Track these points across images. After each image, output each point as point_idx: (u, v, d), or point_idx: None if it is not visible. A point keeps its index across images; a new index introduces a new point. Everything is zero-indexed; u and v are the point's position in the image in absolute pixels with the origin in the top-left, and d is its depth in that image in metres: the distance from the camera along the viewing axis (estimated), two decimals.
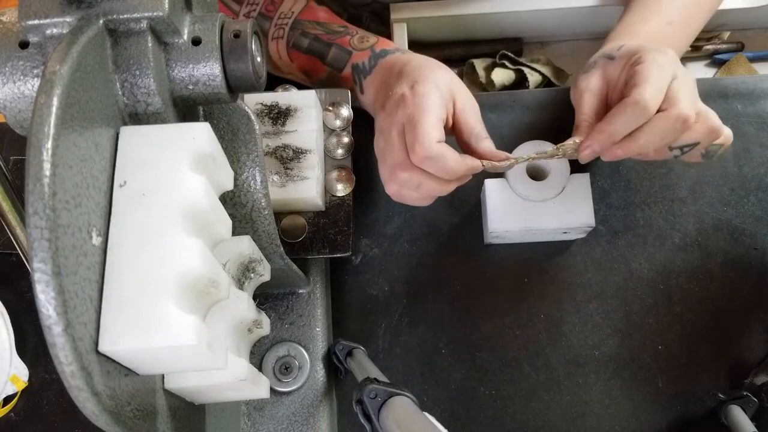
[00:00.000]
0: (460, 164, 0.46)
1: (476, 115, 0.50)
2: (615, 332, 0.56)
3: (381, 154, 0.49)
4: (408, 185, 0.48)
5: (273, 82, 0.56)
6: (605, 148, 0.47)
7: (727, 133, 0.49)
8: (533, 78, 0.75)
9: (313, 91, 0.57)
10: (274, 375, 0.52)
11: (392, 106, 0.48)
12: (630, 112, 0.45)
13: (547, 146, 0.56)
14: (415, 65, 0.52)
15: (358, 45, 0.58)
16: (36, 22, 0.31)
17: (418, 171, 0.46)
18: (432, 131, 0.45)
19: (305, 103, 0.55)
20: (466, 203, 0.60)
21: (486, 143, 0.48)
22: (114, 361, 0.28)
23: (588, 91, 0.50)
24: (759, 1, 0.71)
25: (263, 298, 0.54)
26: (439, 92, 0.47)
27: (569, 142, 0.48)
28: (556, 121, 0.63)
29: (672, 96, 0.46)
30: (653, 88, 0.45)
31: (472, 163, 0.47)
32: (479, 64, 0.76)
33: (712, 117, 0.47)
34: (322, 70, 0.61)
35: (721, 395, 0.52)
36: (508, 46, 0.77)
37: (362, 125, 0.62)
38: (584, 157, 0.47)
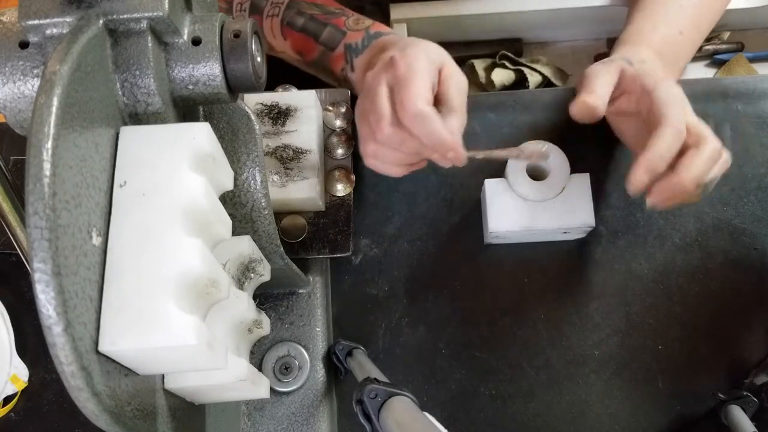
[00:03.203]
0: (446, 130, 0.45)
1: (458, 89, 0.48)
2: (615, 332, 0.56)
3: (363, 114, 0.48)
4: (389, 142, 0.46)
5: (273, 83, 0.56)
6: (653, 174, 0.46)
7: (726, 157, 0.49)
8: (533, 78, 0.75)
9: (313, 91, 0.57)
10: (274, 375, 0.52)
11: (380, 67, 0.47)
12: (670, 133, 0.46)
13: (547, 146, 0.56)
14: (407, 40, 0.52)
15: (353, 26, 0.59)
16: (36, 22, 0.31)
17: (402, 129, 0.45)
18: (422, 91, 0.44)
19: (305, 103, 0.55)
20: (466, 203, 0.60)
21: (452, 121, 0.46)
22: (114, 361, 0.28)
23: (607, 73, 0.50)
24: (759, 1, 0.71)
25: (263, 298, 0.54)
26: (428, 58, 0.47)
27: (535, 145, 0.47)
28: (556, 121, 0.63)
29: (697, 131, 0.47)
30: (680, 115, 0.46)
31: (453, 138, 0.46)
32: (479, 65, 0.76)
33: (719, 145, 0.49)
34: (314, 50, 0.61)
35: (721, 395, 0.52)
36: (508, 46, 0.78)
37: None
38: (634, 191, 0.47)
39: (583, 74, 0.52)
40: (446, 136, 0.45)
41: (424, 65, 0.46)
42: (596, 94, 0.49)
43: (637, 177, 0.46)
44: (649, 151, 0.46)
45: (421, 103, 0.44)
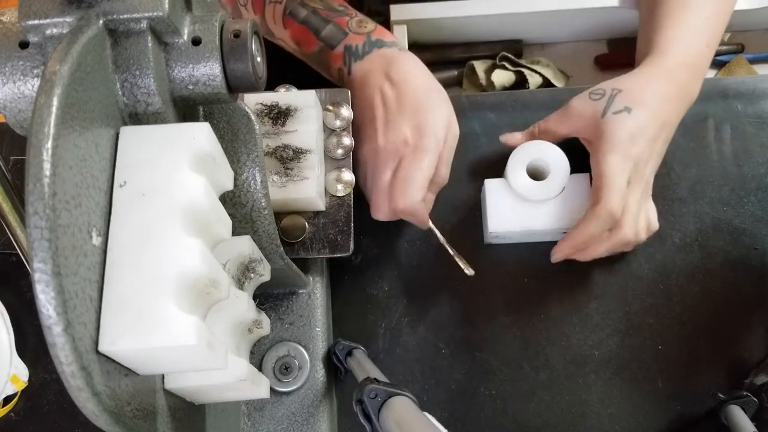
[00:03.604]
0: (426, 217, 0.54)
1: (449, 159, 0.55)
2: (615, 332, 0.56)
3: (364, 186, 0.56)
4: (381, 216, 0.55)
5: (273, 83, 0.56)
6: (574, 253, 0.54)
7: (634, 241, 0.54)
8: (533, 79, 0.75)
9: (313, 91, 0.57)
10: (274, 375, 0.52)
11: (391, 152, 0.53)
12: (603, 218, 0.50)
13: (547, 147, 0.56)
14: (414, 96, 0.54)
15: (356, 28, 0.59)
16: (36, 22, 0.31)
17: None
18: (418, 193, 0.51)
19: (305, 103, 0.55)
20: (466, 204, 0.60)
21: (429, 196, 0.56)
22: (114, 361, 0.28)
23: (570, 117, 0.55)
24: (759, 2, 0.71)
25: (263, 298, 0.54)
26: (437, 146, 0.52)
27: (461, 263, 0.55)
28: None
29: (620, 219, 0.51)
30: (615, 200, 0.50)
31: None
32: (479, 66, 0.76)
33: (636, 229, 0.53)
34: (314, 44, 0.61)
35: (721, 395, 0.52)
36: (508, 47, 0.78)
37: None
38: (555, 259, 0.55)
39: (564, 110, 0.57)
40: (425, 222, 0.54)
41: (429, 162, 0.52)
42: (517, 138, 0.58)
43: (560, 253, 0.54)
44: (577, 233, 0.52)
45: (412, 203, 0.51)
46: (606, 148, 0.51)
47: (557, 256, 0.54)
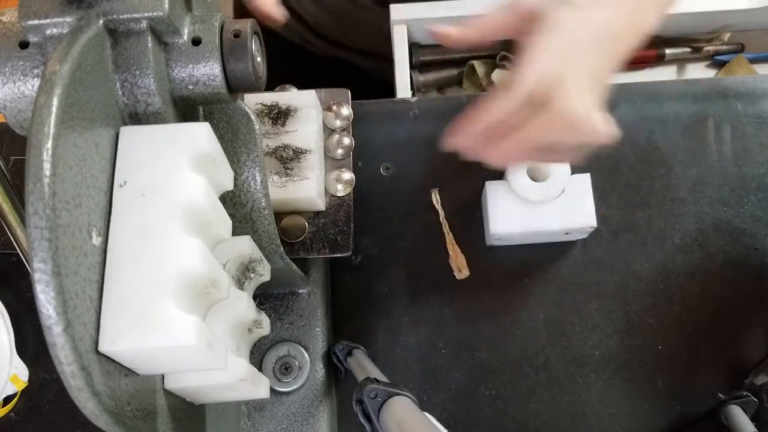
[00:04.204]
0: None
1: None
2: (615, 332, 0.56)
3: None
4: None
5: (273, 83, 0.56)
6: (462, 140, 0.43)
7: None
8: None
9: (312, 91, 0.57)
10: (274, 375, 0.52)
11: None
12: (517, 91, 0.39)
13: None
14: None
15: None
16: (36, 22, 0.31)
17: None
18: None
19: (305, 103, 0.55)
20: (466, 204, 0.60)
21: None
22: (114, 361, 0.28)
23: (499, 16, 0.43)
24: (759, 2, 0.71)
25: (263, 298, 0.54)
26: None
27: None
28: None
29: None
30: (540, 63, 0.39)
31: None
32: (479, 66, 0.76)
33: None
34: None
35: (721, 395, 0.52)
36: (508, 46, 0.77)
37: (362, 125, 0.62)
38: (449, 144, 0.43)
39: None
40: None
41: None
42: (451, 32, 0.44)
43: (459, 134, 0.43)
44: (485, 107, 0.41)
45: None
46: (540, 31, 0.40)
47: (452, 139, 0.43)
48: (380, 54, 0.76)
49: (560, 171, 0.55)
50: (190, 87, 0.35)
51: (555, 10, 0.41)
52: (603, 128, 0.40)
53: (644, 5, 0.45)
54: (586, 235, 0.58)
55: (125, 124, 0.33)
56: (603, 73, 0.42)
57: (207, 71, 0.34)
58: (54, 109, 0.26)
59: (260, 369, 0.52)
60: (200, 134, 0.32)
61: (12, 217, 0.40)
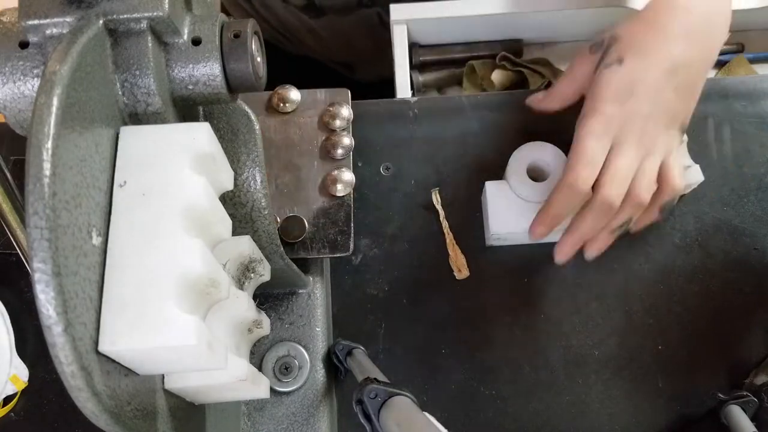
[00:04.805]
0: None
1: None
2: (615, 332, 0.56)
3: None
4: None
5: (273, 83, 0.56)
6: (550, 229, 0.50)
7: (680, 184, 0.49)
8: (533, 79, 0.75)
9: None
10: (274, 375, 0.52)
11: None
12: (568, 188, 0.46)
13: (548, 147, 0.56)
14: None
15: None
16: (36, 22, 0.31)
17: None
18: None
19: None
20: (466, 205, 0.60)
21: None
22: (114, 361, 0.28)
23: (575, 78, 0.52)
24: (759, 2, 0.71)
25: (263, 298, 0.54)
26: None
27: None
28: (556, 122, 0.63)
29: (600, 179, 0.47)
30: (582, 161, 0.46)
31: None
32: (479, 66, 0.76)
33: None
34: None
35: (721, 395, 0.52)
36: (508, 47, 0.77)
37: (362, 125, 0.62)
38: (537, 236, 0.50)
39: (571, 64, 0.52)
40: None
41: None
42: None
43: (537, 231, 0.50)
44: (547, 207, 0.49)
45: None
46: (586, 110, 0.47)
47: (534, 237, 0.50)
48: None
49: (560, 171, 0.55)
50: (190, 87, 0.35)
51: (604, 77, 0.47)
52: (680, 185, 0.48)
53: (717, 12, 0.49)
54: None
55: (125, 124, 0.33)
56: (668, 124, 0.49)
57: (207, 71, 0.34)
58: (54, 109, 0.26)
59: (260, 369, 0.52)
60: (200, 134, 0.32)
61: (12, 218, 0.40)
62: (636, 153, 0.47)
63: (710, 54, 0.49)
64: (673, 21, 0.46)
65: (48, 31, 0.31)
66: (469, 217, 0.60)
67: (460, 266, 0.58)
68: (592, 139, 0.46)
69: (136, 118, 0.34)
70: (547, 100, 0.54)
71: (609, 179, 0.46)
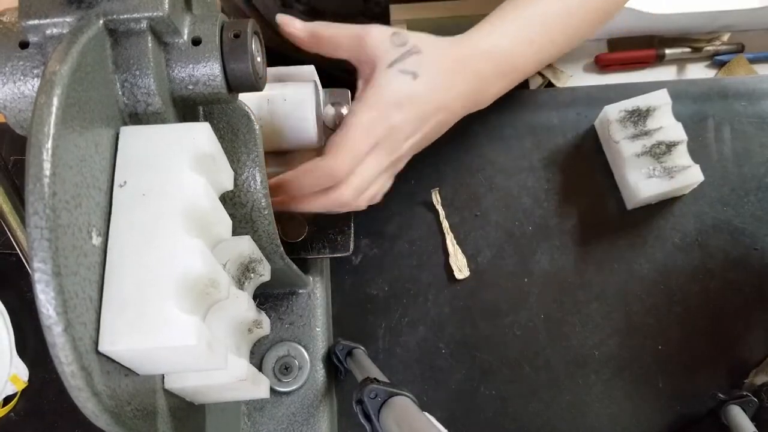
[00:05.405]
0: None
1: None
2: (615, 332, 0.56)
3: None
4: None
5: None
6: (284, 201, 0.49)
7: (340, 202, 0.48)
8: (533, 79, 0.75)
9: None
10: (274, 375, 0.52)
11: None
12: (319, 177, 0.46)
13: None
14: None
15: None
16: (36, 22, 0.31)
17: None
18: None
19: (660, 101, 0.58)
20: (466, 204, 0.60)
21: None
22: (114, 361, 0.28)
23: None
24: (759, 2, 0.71)
25: (263, 298, 0.54)
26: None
27: None
28: (556, 121, 0.63)
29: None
30: (348, 158, 0.45)
31: None
32: None
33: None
34: None
35: (721, 395, 0.52)
36: None
37: None
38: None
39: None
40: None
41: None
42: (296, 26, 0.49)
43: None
44: (288, 182, 0.47)
45: None
46: (368, 101, 0.46)
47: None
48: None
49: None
50: (190, 87, 0.35)
51: (395, 79, 0.47)
52: (363, 207, 0.50)
53: (493, 80, 0.51)
54: None
55: (125, 124, 0.33)
56: (414, 150, 0.51)
57: (207, 71, 0.34)
58: (54, 109, 0.26)
59: (260, 369, 0.52)
60: (200, 134, 0.32)
61: (12, 218, 0.40)
62: (385, 167, 0.48)
63: (466, 111, 0.51)
64: (462, 68, 0.49)
65: (48, 31, 0.31)
66: (469, 217, 0.60)
67: (460, 266, 0.58)
68: (364, 139, 0.46)
69: (136, 118, 0.34)
70: (304, 32, 0.50)
71: (353, 184, 0.47)
